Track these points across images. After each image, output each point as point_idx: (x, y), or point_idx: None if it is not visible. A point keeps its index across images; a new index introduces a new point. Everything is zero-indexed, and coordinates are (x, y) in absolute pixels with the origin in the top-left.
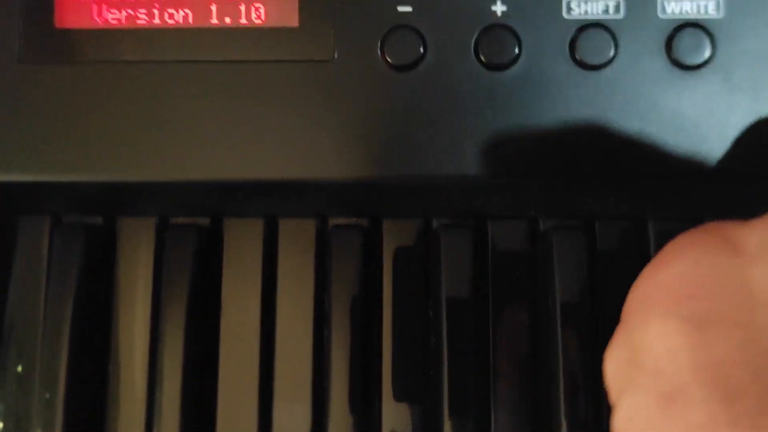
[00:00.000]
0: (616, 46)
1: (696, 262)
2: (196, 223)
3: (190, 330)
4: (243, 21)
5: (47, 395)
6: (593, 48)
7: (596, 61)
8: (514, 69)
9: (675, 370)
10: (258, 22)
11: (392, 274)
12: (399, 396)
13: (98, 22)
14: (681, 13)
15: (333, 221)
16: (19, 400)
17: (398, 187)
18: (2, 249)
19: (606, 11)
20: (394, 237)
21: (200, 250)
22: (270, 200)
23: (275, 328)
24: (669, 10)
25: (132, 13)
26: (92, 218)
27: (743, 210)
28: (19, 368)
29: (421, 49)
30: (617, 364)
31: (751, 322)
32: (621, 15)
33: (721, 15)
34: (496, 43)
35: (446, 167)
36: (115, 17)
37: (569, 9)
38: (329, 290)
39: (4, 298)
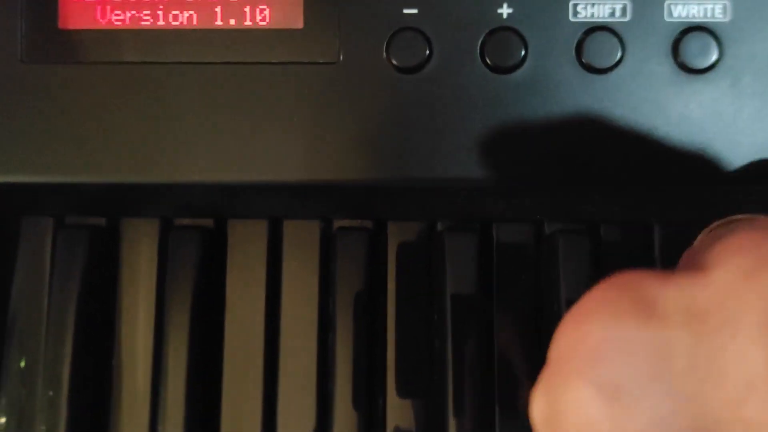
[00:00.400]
0: (623, 49)
1: (608, 323)
2: (199, 224)
3: (194, 331)
4: (248, 23)
5: (51, 393)
6: (600, 51)
7: (602, 64)
8: (520, 72)
9: None
10: (263, 23)
11: (396, 276)
12: (403, 395)
13: (102, 23)
14: (688, 16)
15: (338, 223)
16: (22, 396)
17: (403, 190)
18: (5, 249)
19: (612, 14)
20: (398, 239)
21: (204, 252)
22: (274, 202)
23: (279, 329)
24: (676, 13)
25: (136, 14)
26: (95, 219)
27: (746, 211)
28: (22, 363)
29: (427, 52)
30: (540, 416)
31: (665, 395)
32: (627, 18)
33: (728, 18)
34: (503, 46)
35: (451, 170)
36: (119, 18)
37: (576, 12)
38: (334, 292)
39: (7, 297)
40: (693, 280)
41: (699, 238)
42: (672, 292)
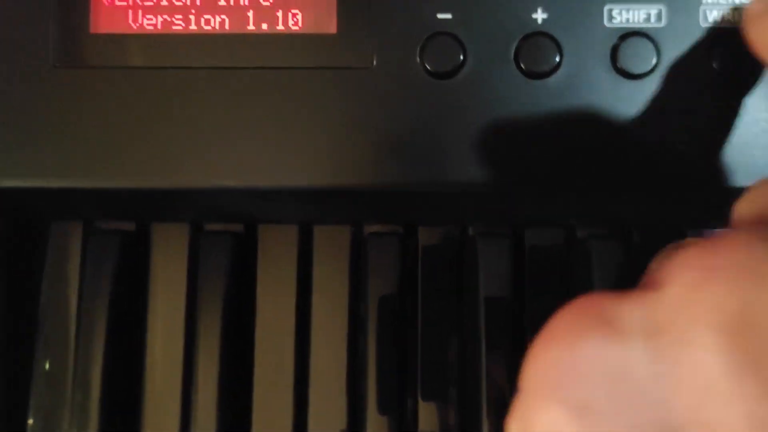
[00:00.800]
0: (658, 54)
1: (573, 345)
2: (230, 229)
3: (225, 335)
4: (280, 27)
5: (81, 397)
6: (635, 56)
7: (638, 70)
8: (555, 77)
9: None
10: (295, 28)
11: (427, 280)
12: (434, 398)
13: (134, 28)
14: (723, 21)
15: (369, 228)
16: (50, 399)
17: (435, 195)
18: (34, 254)
19: (648, 19)
20: (429, 243)
21: (234, 257)
22: (305, 207)
23: (310, 335)
24: (711, 18)
25: (168, 18)
26: (125, 224)
27: None
28: (47, 366)
29: (461, 57)
30: None
31: (630, 408)
32: (663, 23)
33: None
34: (537, 51)
35: (485, 175)
36: (150, 23)
37: (611, 17)
38: (365, 297)
39: (36, 302)
40: (648, 297)
41: (655, 259)
42: (630, 311)
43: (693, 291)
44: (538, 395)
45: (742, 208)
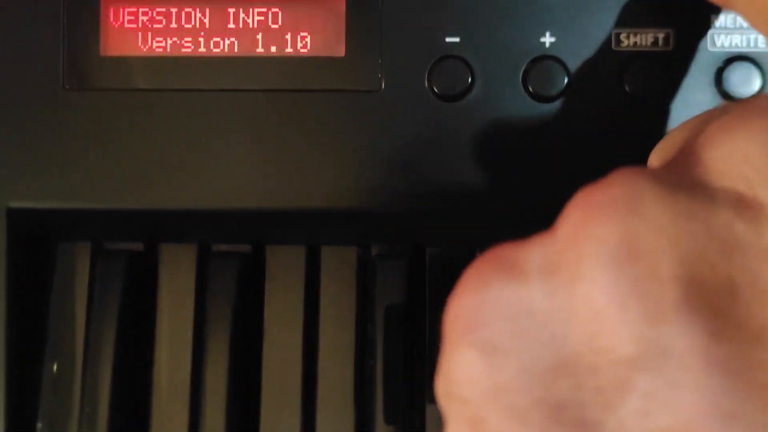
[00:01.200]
0: (667, 76)
1: (479, 291)
2: (237, 250)
3: (233, 356)
4: (289, 50)
5: (89, 410)
6: (643, 79)
7: (647, 93)
8: (563, 100)
9: (474, 397)
10: (304, 51)
11: (435, 301)
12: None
13: (143, 50)
14: (731, 46)
15: (376, 249)
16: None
17: (443, 216)
18: (41, 275)
19: (656, 43)
20: (437, 265)
21: (242, 278)
22: (313, 228)
23: (317, 354)
24: (719, 43)
25: (177, 41)
26: (133, 244)
27: None
28: (54, 367)
29: (469, 80)
30: (440, 391)
31: (531, 343)
32: (671, 47)
33: None
34: (545, 75)
35: (494, 198)
36: (160, 45)
37: (618, 41)
38: (374, 318)
39: (45, 324)
40: (544, 239)
41: None
42: (528, 253)
43: (580, 228)
44: (453, 341)
45: (652, 161)
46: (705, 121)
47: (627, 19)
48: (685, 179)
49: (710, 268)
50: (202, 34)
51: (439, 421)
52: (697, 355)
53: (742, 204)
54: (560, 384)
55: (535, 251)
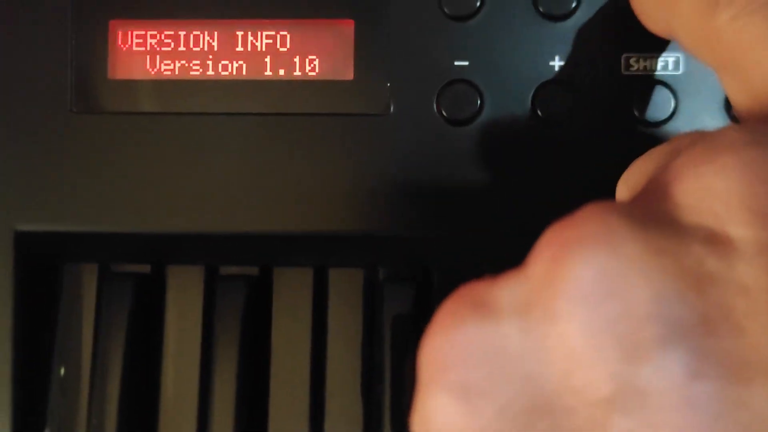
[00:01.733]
0: (676, 102)
1: (452, 331)
2: (245, 273)
3: (241, 379)
4: (297, 73)
5: None
6: (653, 104)
7: (656, 117)
8: (573, 124)
9: None
10: (312, 74)
11: None
12: None
13: (151, 73)
14: None
15: (384, 272)
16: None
17: (452, 241)
18: (48, 295)
19: (665, 68)
20: (446, 289)
21: (250, 301)
22: (320, 251)
23: (325, 378)
24: None
25: (186, 64)
26: (140, 266)
27: None
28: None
29: (478, 104)
30: None
31: (506, 384)
32: (680, 71)
33: None
34: (554, 99)
35: (503, 222)
36: (168, 68)
37: (628, 65)
38: (381, 342)
39: (51, 347)
40: (517, 277)
41: None
42: (501, 291)
43: (553, 265)
44: (427, 385)
45: (620, 191)
46: (671, 151)
47: (636, 44)
48: (656, 214)
49: (685, 304)
50: (210, 57)
51: None
52: (675, 395)
53: (712, 240)
54: (537, 425)
55: (507, 289)
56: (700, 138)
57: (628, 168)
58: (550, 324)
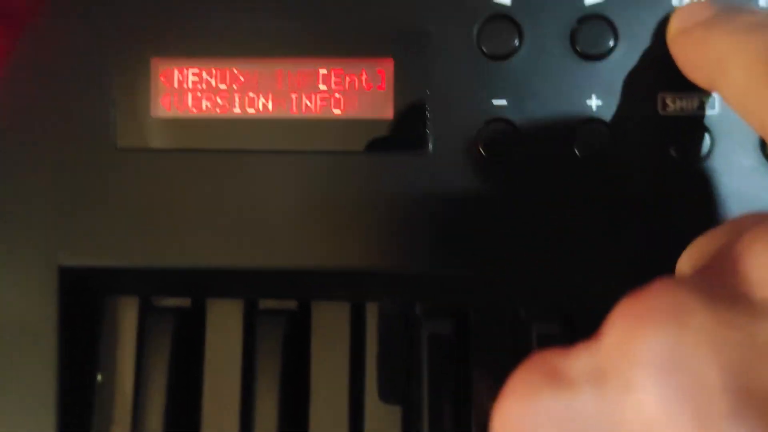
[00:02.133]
0: (712, 141)
1: (526, 400)
2: (284, 307)
3: (281, 415)
4: (337, 112)
5: None
6: (689, 143)
7: (694, 157)
8: (611, 162)
9: None
10: (352, 113)
11: (481, 363)
12: None
13: (194, 111)
14: None
15: (422, 308)
16: None
17: (491, 279)
18: (90, 328)
19: (701, 107)
20: (481, 326)
21: (288, 335)
22: (359, 286)
23: (364, 413)
24: None
25: (227, 101)
26: (181, 300)
27: None
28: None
29: (517, 143)
30: None
31: None
32: (716, 111)
33: None
34: (592, 138)
35: (545, 261)
36: (209, 105)
37: (664, 105)
38: (420, 379)
39: (93, 379)
40: (591, 348)
41: None
42: (575, 362)
43: (628, 337)
44: None
45: (682, 264)
46: (733, 230)
47: (672, 83)
48: (725, 288)
49: (757, 376)
50: (251, 95)
51: None
52: None
53: None
54: None
55: (581, 359)
56: (766, 218)
57: (688, 247)
58: (627, 393)
